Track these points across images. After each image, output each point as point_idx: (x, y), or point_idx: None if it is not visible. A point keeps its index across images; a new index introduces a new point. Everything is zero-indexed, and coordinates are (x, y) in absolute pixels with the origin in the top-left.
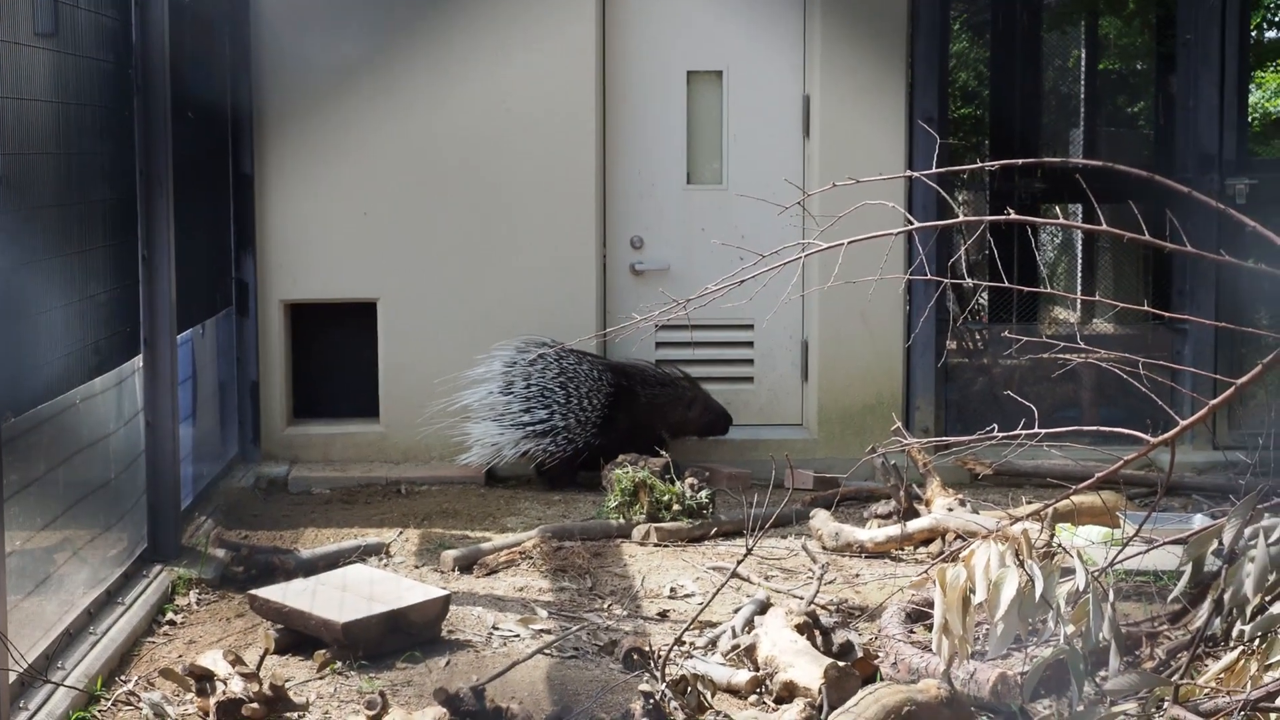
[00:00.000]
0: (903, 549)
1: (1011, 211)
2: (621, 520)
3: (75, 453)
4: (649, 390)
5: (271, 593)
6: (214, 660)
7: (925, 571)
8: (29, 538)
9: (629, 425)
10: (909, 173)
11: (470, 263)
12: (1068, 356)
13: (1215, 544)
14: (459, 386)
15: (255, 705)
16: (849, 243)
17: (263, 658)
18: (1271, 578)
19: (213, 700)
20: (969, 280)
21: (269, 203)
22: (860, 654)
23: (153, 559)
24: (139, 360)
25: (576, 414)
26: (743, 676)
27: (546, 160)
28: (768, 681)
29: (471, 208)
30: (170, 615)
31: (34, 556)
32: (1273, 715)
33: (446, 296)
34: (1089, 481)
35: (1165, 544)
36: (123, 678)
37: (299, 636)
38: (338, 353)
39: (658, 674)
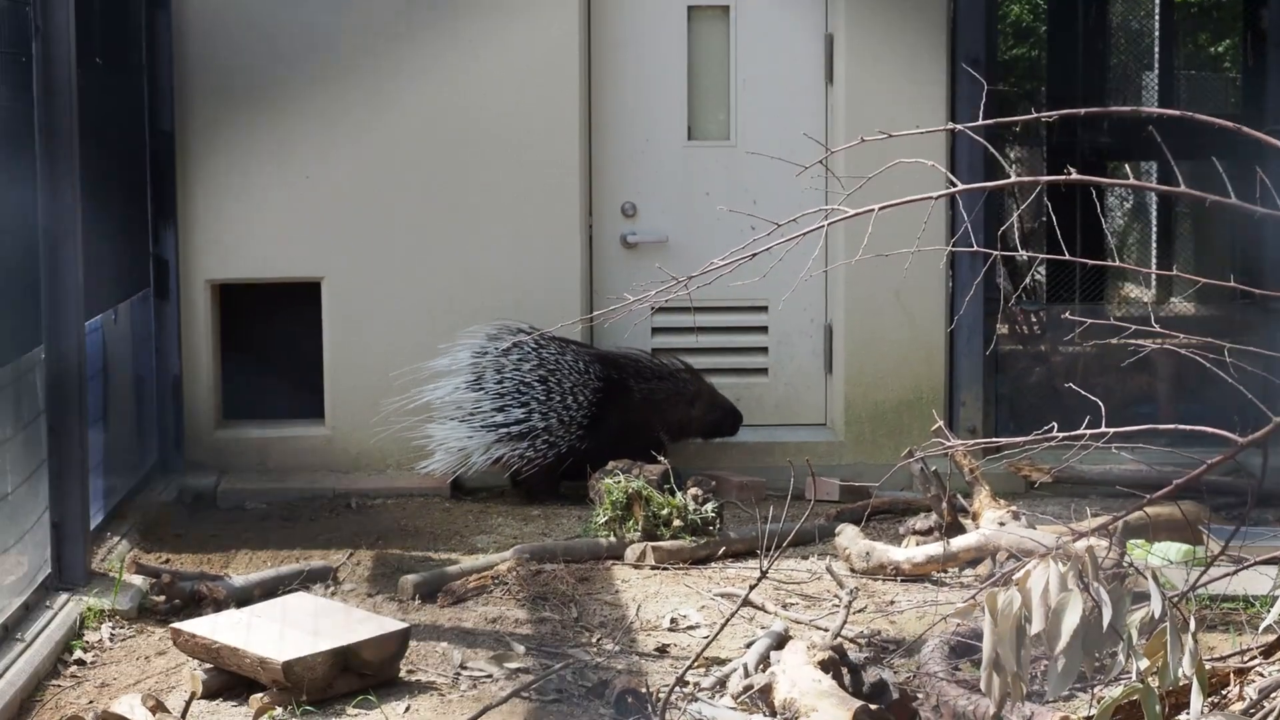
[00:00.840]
0: (946, 571)
1: (1073, 171)
2: (612, 538)
3: None
4: (644, 384)
5: (199, 626)
6: (131, 707)
7: (972, 597)
8: None
9: (621, 426)
10: (951, 125)
11: (432, 235)
12: (1141, 342)
13: None
14: (419, 380)
15: None
16: (880, 208)
17: (189, 703)
18: None
19: None
20: (1023, 252)
21: (193, 165)
22: (896, 695)
23: (58, 587)
24: (40, 352)
25: (559, 413)
26: None
27: (522, 114)
28: None
29: (434, 170)
30: (79, 653)
31: None
32: None
33: (404, 275)
34: (1166, 490)
35: (1257, 564)
36: None
37: (231, 677)
38: (276, 342)
39: None
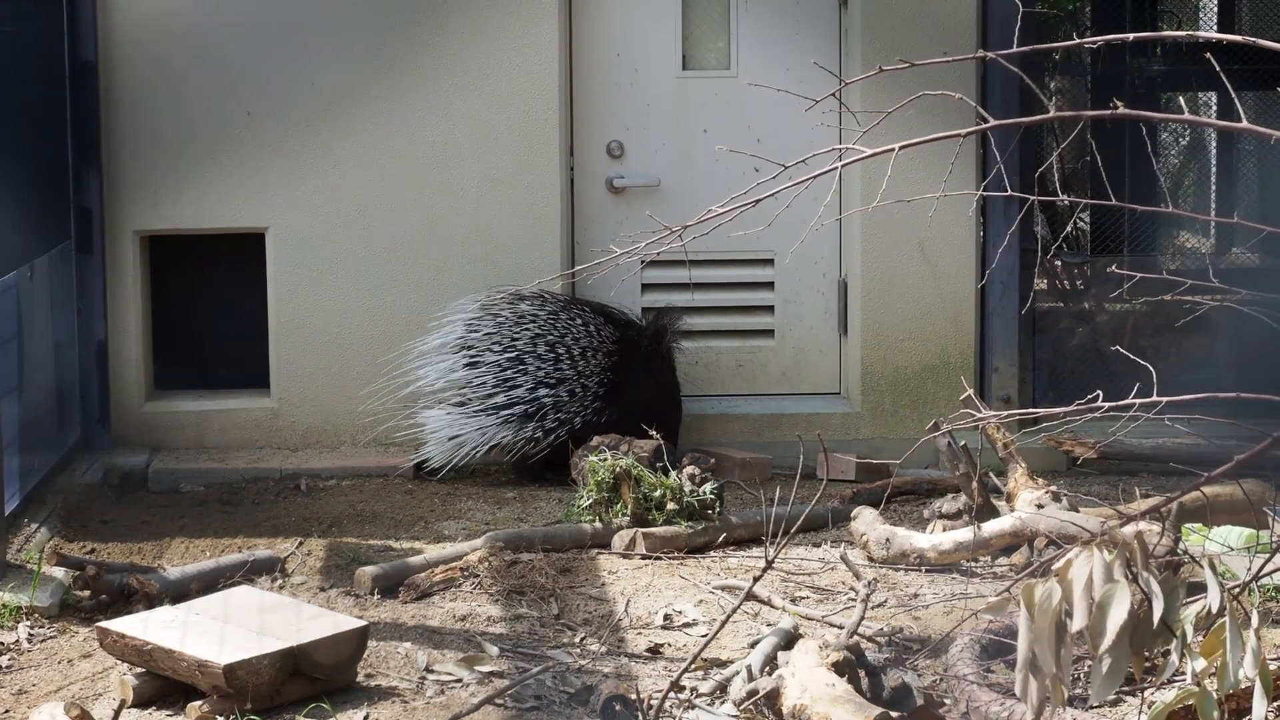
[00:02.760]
0: (976, 559)
1: (1121, 104)
2: (598, 524)
3: None
4: (664, 346)
5: (128, 625)
6: (52, 716)
7: (1006, 589)
8: None
9: (638, 393)
10: (982, 53)
11: (391, 178)
12: (1198, 299)
13: None
14: (381, 346)
15: None
16: (901, 147)
17: (118, 712)
18: None
19: None
20: (1064, 197)
21: (119, 100)
22: (920, 701)
23: None
24: None
25: (571, 384)
26: None
27: (489, 39)
28: None
29: (390, 105)
30: None
31: None
32: None
33: (359, 223)
34: (1226, 467)
35: None
36: None
37: (166, 683)
38: (214, 302)
39: None
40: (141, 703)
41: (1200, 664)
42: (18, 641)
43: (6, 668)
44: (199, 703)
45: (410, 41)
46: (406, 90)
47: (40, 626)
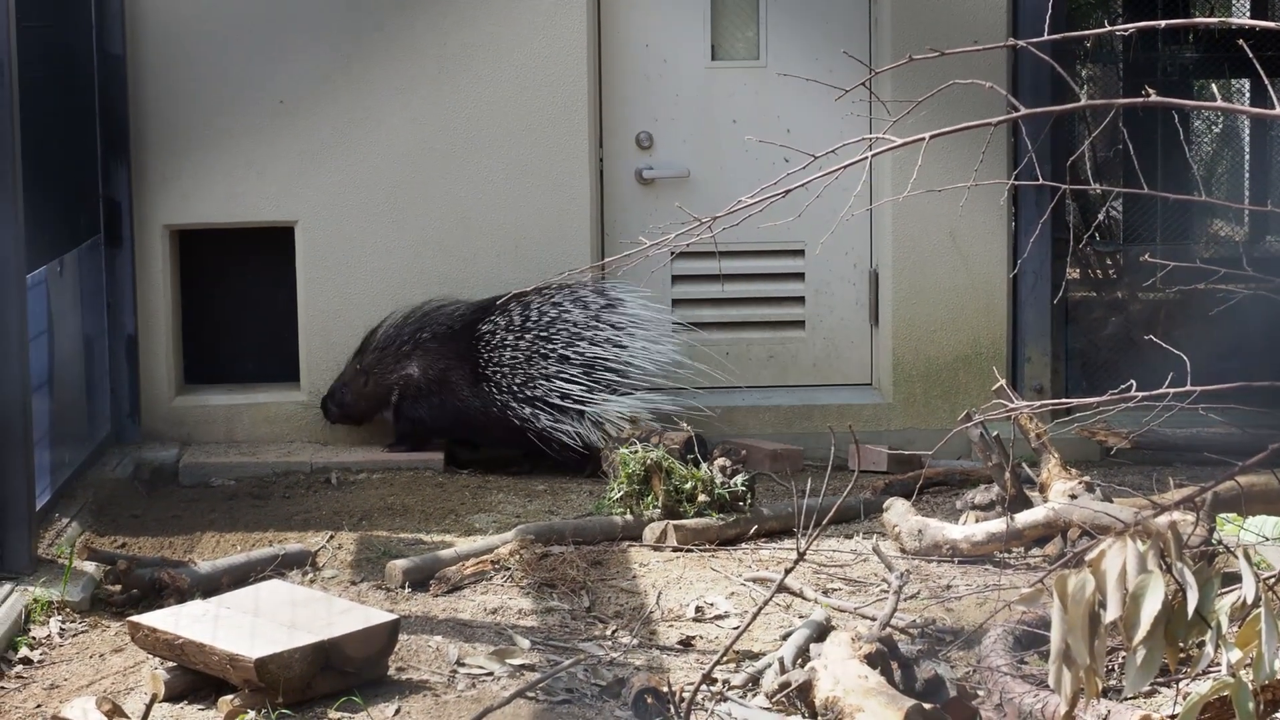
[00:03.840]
0: (1009, 550)
1: (1153, 92)
2: (629, 516)
3: None
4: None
5: (160, 619)
6: (84, 711)
7: (1039, 580)
8: None
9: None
10: (1013, 41)
11: (420, 170)
12: (1232, 287)
13: None
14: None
15: None
16: (932, 137)
17: (149, 706)
18: None
19: None
20: (1096, 185)
21: (147, 93)
22: (953, 693)
23: (0, 576)
24: None
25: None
26: None
27: (518, 31)
28: None
29: (418, 97)
30: (25, 651)
31: None
32: None
33: (388, 216)
34: (1261, 456)
35: None
36: None
37: (198, 677)
38: (244, 296)
39: None
40: (173, 697)
41: (1235, 655)
42: (49, 636)
43: (38, 662)
44: (230, 697)
45: (438, 33)
46: (435, 81)
47: (72, 621)
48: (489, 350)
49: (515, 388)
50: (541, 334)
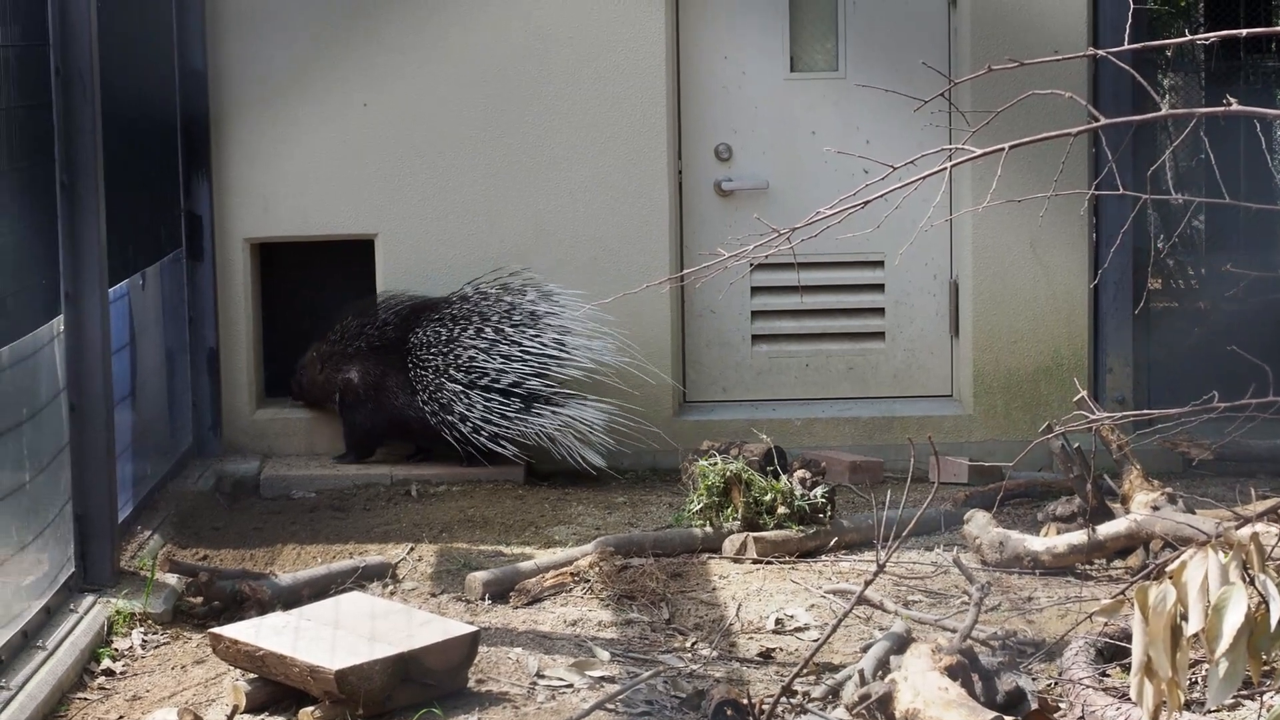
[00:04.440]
0: (1091, 562)
1: (1235, 101)
2: (708, 528)
3: None
4: None
5: (241, 631)
6: None
7: (1121, 592)
8: None
9: None
10: (1092, 51)
11: (499, 183)
12: None
13: None
14: None
15: None
16: (1011, 147)
17: (230, 717)
18: None
19: None
20: (1178, 196)
21: (228, 105)
22: (1035, 705)
23: (83, 588)
24: (59, 323)
25: None
26: None
27: (597, 44)
28: None
29: (497, 110)
30: (107, 663)
31: None
32: None
33: (467, 228)
34: None
35: None
36: None
37: (278, 689)
38: (324, 308)
39: None
40: (254, 708)
41: None
42: (131, 648)
43: (121, 674)
44: (311, 708)
45: (514, 48)
46: (514, 93)
47: (153, 633)
48: (418, 363)
49: (440, 401)
50: (461, 345)
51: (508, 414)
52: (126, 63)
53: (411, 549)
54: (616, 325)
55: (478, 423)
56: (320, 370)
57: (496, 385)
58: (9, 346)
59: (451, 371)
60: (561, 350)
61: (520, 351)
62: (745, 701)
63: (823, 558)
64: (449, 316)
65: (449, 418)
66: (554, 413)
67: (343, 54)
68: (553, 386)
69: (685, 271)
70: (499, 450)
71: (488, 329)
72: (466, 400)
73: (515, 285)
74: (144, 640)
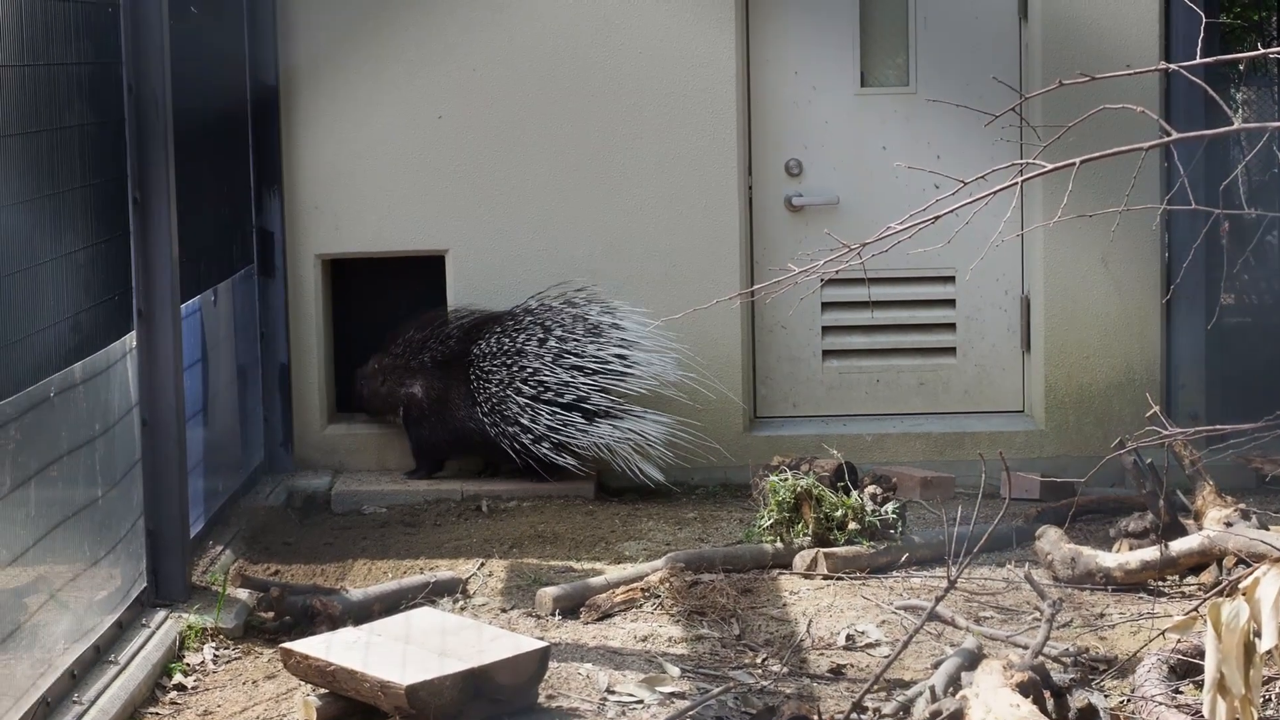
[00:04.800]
0: (1164, 578)
1: None
2: (778, 544)
3: (49, 464)
4: None
5: (312, 646)
6: None
7: (1194, 609)
8: None
9: None
10: (1164, 65)
11: (569, 198)
12: None
13: None
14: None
15: None
16: (1083, 162)
17: None
18: None
19: None
20: (1251, 210)
21: (299, 123)
22: None
23: (155, 602)
24: (131, 339)
25: None
26: None
27: (667, 59)
28: None
29: (568, 125)
30: (179, 677)
31: None
32: None
33: (539, 244)
34: None
35: None
36: None
37: (349, 704)
38: (395, 324)
39: None
40: None
41: None
42: (203, 662)
43: (192, 689)
44: None
45: (585, 63)
46: (584, 108)
47: (225, 648)
48: (480, 374)
49: (503, 413)
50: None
51: (568, 425)
52: (198, 79)
53: (482, 564)
54: (681, 340)
55: (540, 433)
56: (383, 382)
57: (560, 399)
58: (82, 362)
59: (515, 384)
60: (624, 365)
61: (582, 364)
62: (816, 718)
63: (894, 573)
64: (512, 329)
65: (509, 429)
66: (613, 426)
67: (415, 69)
68: (614, 400)
69: (756, 286)
70: (558, 461)
71: (550, 340)
72: (530, 412)
73: (579, 299)
74: (215, 655)
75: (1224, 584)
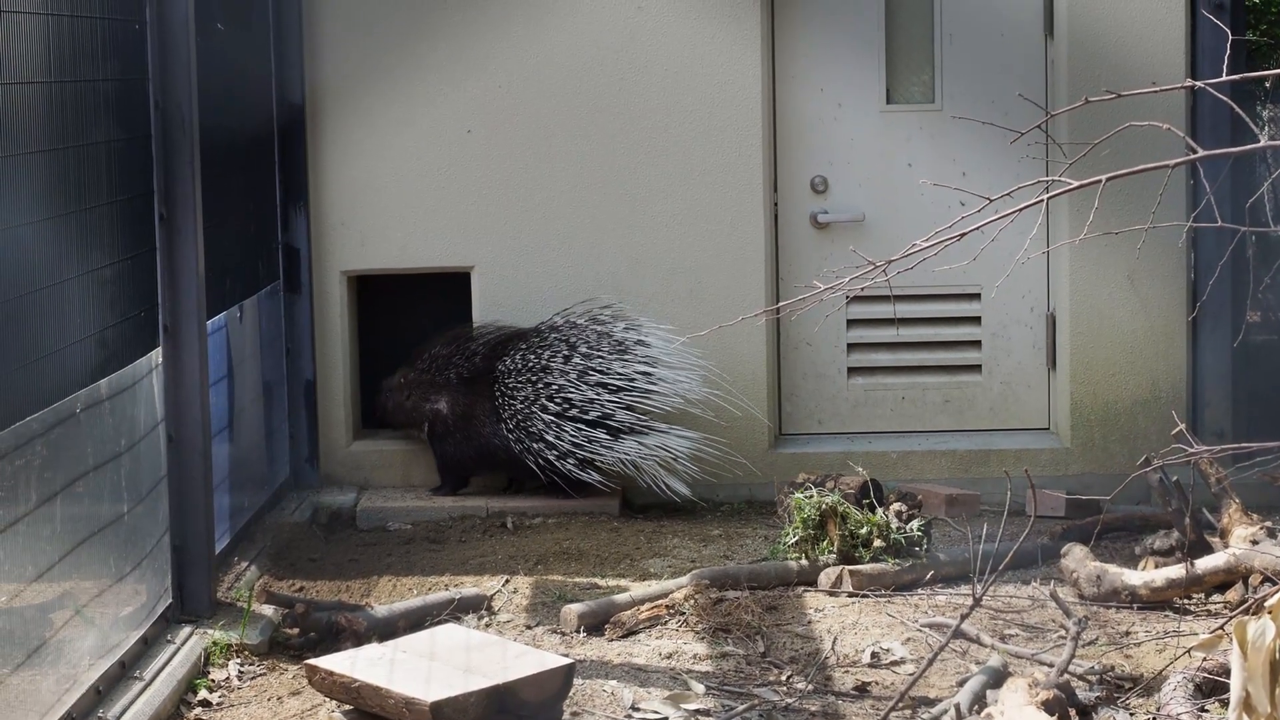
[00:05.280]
0: (1189, 596)
1: None
2: (804, 561)
3: (76, 479)
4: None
5: (336, 662)
6: None
7: (1220, 627)
8: (17, 592)
9: None
10: (1190, 82)
11: (595, 215)
12: None
13: None
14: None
15: None
16: (1109, 179)
17: None
18: None
19: None
20: (1277, 227)
21: (326, 140)
22: None
23: (180, 618)
24: (157, 355)
25: None
26: None
27: (693, 75)
28: None
29: (594, 141)
30: (204, 693)
31: (24, 617)
32: None
33: (564, 260)
34: None
35: None
36: None
37: None
38: (420, 339)
39: None
40: None
41: None
42: (228, 678)
43: (217, 705)
44: None
45: (610, 80)
46: (609, 125)
47: (250, 664)
48: (505, 390)
49: (529, 429)
50: (550, 374)
51: (593, 441)
52: (225, 96)
53: (507, 581)
54: (707, 357)
55: (565, 449)
56: (408, 397)
57: (585, 416)
58: (108, 378)
59: (541, 400)
60: (649, 382)
61: (607, 381)
62: None
63: (919, 591)
64: (537, 345)
65: (534, 445)
66: (639, 442)
67: (440, 87)
68: (639, 417)
69: (781, 304)
70: (583, 477)
71: (576, 357)
72: (556, 429)
73: (605, 316)
74: (240, 671)
75: (1250, 602)
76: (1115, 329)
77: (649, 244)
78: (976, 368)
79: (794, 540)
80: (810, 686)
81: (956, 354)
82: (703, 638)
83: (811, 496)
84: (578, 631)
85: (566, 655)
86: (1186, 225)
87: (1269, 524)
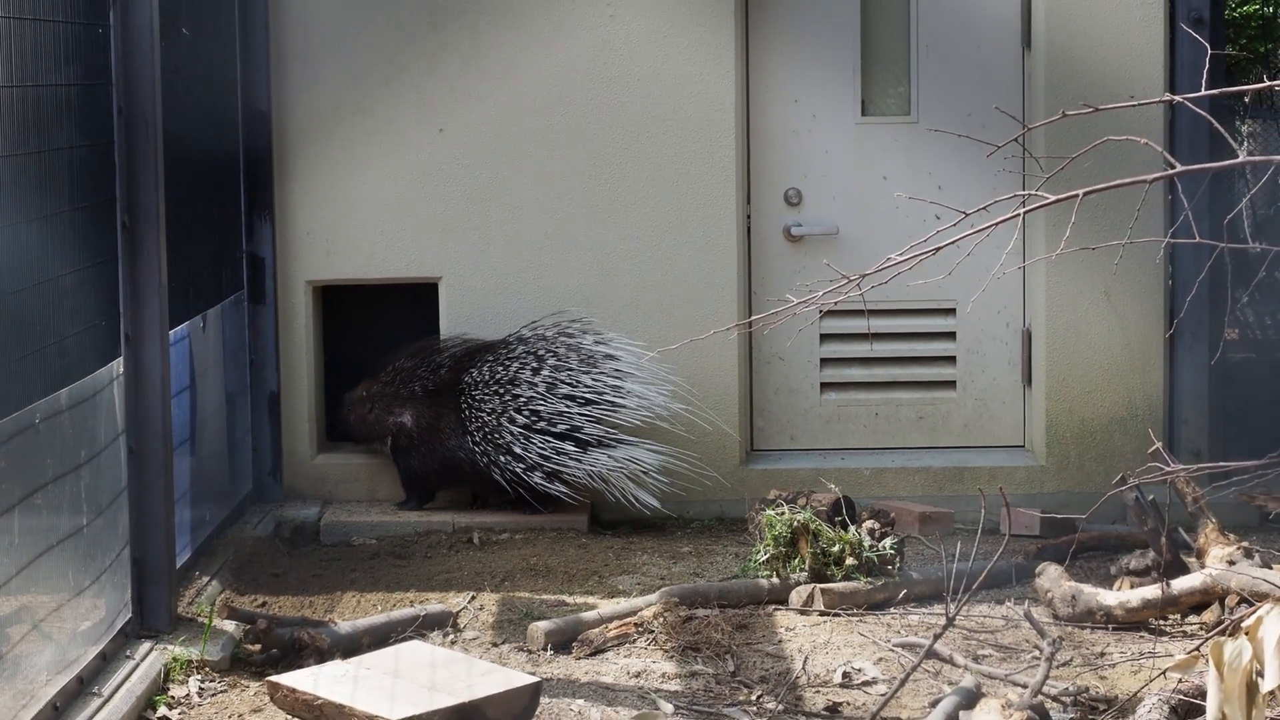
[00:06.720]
0: (1165, 617)
1: None
2: (775, 579)
3: (34, 490)
4: None
5: (299, 680)
6: None
7: (1195, 648)
8: None
9: None
10: (1169, 97)
11: (564, 226)
12: None
13: None
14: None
15: None
16: (1086, 193)
17: None
18: None
19: None
20: (1256, 243)
21: (291, 148)
22: None
23: (140, 634)
24: (119, 365)
25: None
26: None
27: (665, 86)
28: None
29: (564, 151)
30: (164, 710)
31: None
32: None
33: (533, 272)
34: None
35: None
36: None
37: None
38: (386, 352)
39: None
40: None
41: None
42: (189, 695)
43: None
44: None
45: (581, 92)
46: (581, 137)
47: (211, 680)
48: (471, 403)
49: (496, 442)
50: (518, 386)
51: (561, 453)
52: (189, 103)
53: (473, 597)
54: (677, 371)
55: (532, 462)
56: (370, 410)
57: (553, 428)
58: (68, 388)
59: (509, 412)
60: (618, 395)
61: (576, 394)
62: None
63: (891, 610)
64: (505, 357)
65: (501, 457)
66: (608, 455)
67: (409, 97)
68: (608, 430)
69: (754, 317)
70: (551, 490)
71: (544, 370)
72: (523, 441)
73: (574, 329)
74: (201, 688)
75: (1226, 623)
76: (1091, 346)
77: (619, 256)
78: (951, 384)
79: (765, 558)
80: (781, 707)
81: (931, 370)
82: (672, 656)
83: (783, 513)
84: (545, 649)
85: (533, 674)
86: (1164, 241)
87: (1246, 544)
